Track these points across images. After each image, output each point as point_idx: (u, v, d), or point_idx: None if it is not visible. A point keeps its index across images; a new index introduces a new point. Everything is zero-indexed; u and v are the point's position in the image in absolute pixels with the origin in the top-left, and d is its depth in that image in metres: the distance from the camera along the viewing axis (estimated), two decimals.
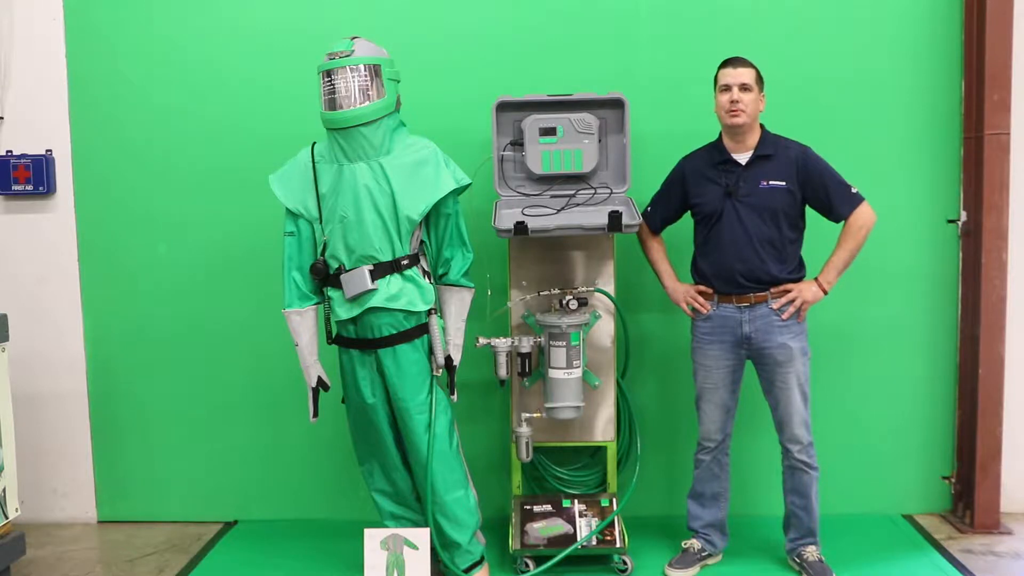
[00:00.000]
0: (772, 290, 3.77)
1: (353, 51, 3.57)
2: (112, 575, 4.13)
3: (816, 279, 3.80)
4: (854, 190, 3.76)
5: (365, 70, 3.57)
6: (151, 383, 4.62)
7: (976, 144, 4.29)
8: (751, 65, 3.72)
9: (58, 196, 4.57)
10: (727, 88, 3.70)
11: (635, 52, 4.40)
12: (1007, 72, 4.23)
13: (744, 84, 3.68)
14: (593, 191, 4.12)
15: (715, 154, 3.83)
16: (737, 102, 3.67)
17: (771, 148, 3.76)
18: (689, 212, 3.92)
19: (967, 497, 4.44)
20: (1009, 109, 4.23)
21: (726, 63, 3.75)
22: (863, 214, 3.76)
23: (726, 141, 3.81)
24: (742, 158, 3.77)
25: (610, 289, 4.09)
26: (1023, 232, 4.39)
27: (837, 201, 3.74)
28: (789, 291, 3.76)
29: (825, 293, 3.79)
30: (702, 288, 3.85)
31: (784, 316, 3.76)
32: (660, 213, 3.97)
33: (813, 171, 3.75)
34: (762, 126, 3.81)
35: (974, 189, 4.32)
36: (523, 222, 3.84)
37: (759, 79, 3.73)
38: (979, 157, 4.27)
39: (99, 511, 4.70)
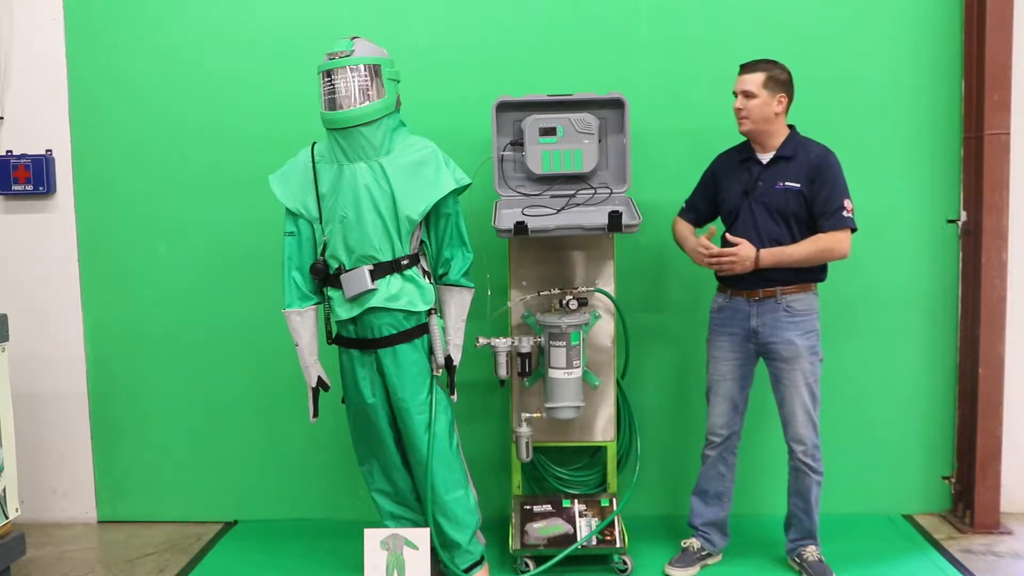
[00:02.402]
0: (781, 288, 3.76)
1: (353, 51, 3.56)
2: (112, 575, 4.13)
3: (759, 250, 3.69)
4: (847, 214, 3.69)
5: (365, 70, 3.57)
6: (151, 383, 4.62)
7: (976, 144, 4.29)
8: (760, 69, 3.70)
9: (58, 196, 4.57)
10: (736, 95, 3.73)
11: (635, 52, 4.40)
12: (1007, 72, 4.23)
13: (746, 91, 3.70)
14: (593, 191, 4.12)
15: (742, 152, 3.86)
16: (740, 109, 3.71)
17: (792, 150, 3.75)
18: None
19: (967, 497, 4.44)
20: (1009, 109, 4.23)
21: (740, 68, 3.76)
22: (840, 239, 3.69)
23: (751, 142, 3.83)
24: (764, 158, 3.79)
25: (610, 289, 4.09)
26: (1023, 232, 4.40)
27: (825, 211, 3.69)
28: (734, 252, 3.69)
29: (756, 266, 3.68)
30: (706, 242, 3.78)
31: (711, 262, 3.70)
32: (693, 210, 3.95)
33: (824, 172, 3.70)
34: (792, 127, 3.80)
35: (974, 189, 4.32)
36: (523, 222, 3.84)
37: (768, 82, 3.68)
38: (979, 157, 4.27)
39: (99, 511, 4.70)
